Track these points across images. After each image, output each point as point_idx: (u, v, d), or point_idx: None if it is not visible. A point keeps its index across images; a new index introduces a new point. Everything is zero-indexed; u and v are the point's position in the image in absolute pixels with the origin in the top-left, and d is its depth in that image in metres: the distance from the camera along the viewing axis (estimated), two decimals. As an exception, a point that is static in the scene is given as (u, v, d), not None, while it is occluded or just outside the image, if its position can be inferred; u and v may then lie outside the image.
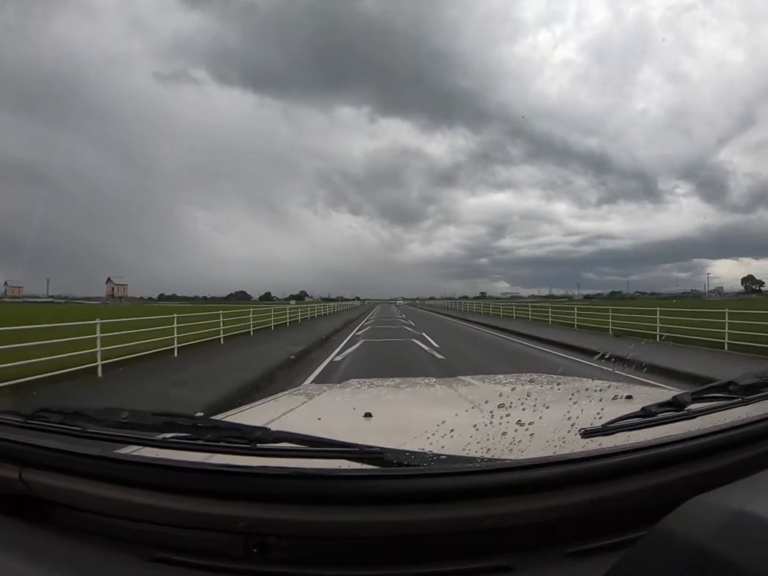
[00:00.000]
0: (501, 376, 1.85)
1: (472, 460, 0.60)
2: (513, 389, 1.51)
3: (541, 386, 1.52)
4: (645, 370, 1.56)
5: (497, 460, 0.62)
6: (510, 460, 0.61)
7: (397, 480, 0.57)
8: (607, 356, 1.04)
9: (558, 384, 1.49)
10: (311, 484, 0.57)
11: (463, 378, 1.80)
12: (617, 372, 1.04)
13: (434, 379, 1.87)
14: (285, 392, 1.76)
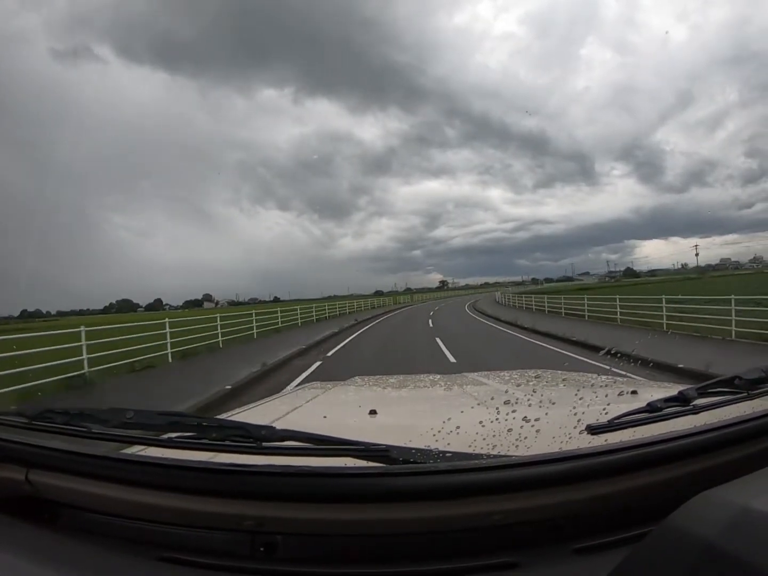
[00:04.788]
0: (506, 372, 1.85)
1: (478, 456, 0.60)
2: (518, 385, 1.51)
3: (547, 382, 1.52)
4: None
5: (503, 456, 0.62)
6: (516, 456, 0.61)
7: (403, 477, 0.57)
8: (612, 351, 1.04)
9: (563, 380, 1.49)
10: (317, 482, 0.57)
11: (468, 375, 1.80)
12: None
13: (439, 376, 1.87)
14: (290, 390, 1.77)
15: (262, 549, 0.57)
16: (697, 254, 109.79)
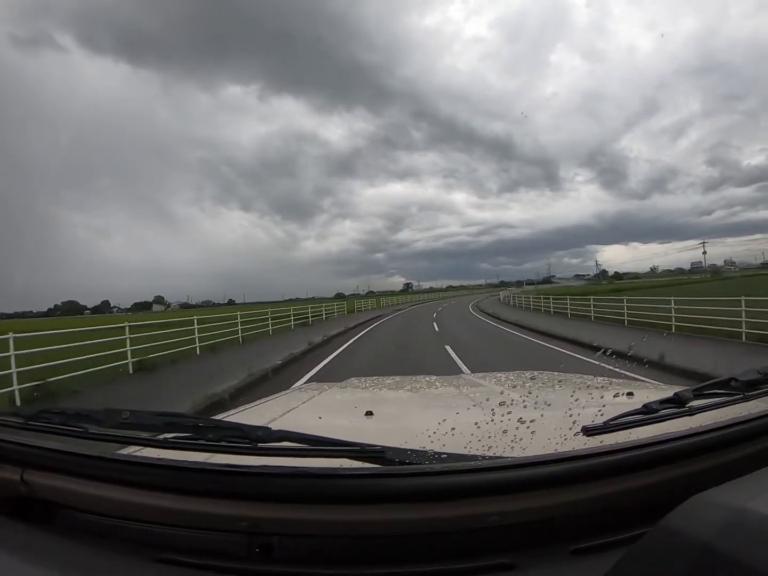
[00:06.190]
0: (502, 373, 1.85)
1: (474, 458, 0.60)
2: (514, 387, 1.52)
3: (543, 383, 1.53)
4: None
5: (498, 458, 0.62)
6: (511, 457, 0.61)
7: (398, 478, 0.57)
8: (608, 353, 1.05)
9: (559, 381, 1.49)
10: (313, 483, 0.57)
11: (464, 375, 1.81)
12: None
13: (435, 377, 1.87)
14: (286, 391, 1.77)
15: (258, 550, 0.57)
16: (704, 252, 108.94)
